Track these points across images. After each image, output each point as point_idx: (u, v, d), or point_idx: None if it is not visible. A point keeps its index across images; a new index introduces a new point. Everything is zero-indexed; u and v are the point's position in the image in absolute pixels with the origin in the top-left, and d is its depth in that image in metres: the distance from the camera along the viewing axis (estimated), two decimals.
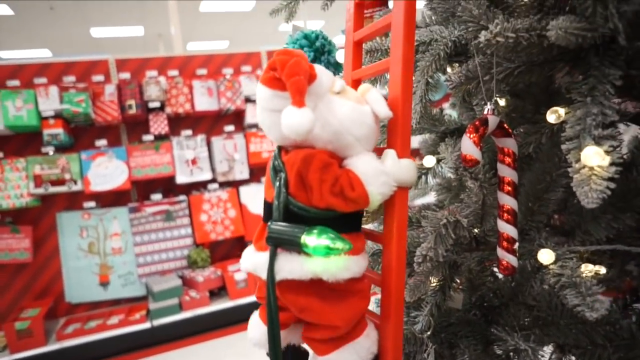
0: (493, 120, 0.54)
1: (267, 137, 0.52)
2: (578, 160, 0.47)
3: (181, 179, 3.33)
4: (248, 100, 3.51)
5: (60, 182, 3.06)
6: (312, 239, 0.45)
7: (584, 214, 0.64)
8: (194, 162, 3.41)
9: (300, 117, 0.43)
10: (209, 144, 3.48)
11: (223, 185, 3.54)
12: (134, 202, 3.36)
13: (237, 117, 3.64)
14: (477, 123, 0.53)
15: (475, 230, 0.67)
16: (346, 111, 0.48)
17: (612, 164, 0.45)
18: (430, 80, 0.66)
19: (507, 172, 0.58)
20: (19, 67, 3.11)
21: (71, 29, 7.85)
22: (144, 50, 9.25)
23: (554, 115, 0.56)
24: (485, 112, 0.55)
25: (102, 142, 3.21)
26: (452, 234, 0.59)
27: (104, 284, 3.25)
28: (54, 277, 3.18)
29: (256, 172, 3.60)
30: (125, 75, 3.27)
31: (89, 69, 3.24)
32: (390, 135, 0.52)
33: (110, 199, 3.33)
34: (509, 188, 0.57)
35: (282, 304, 0.50)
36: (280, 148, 0.51)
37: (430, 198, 1.00)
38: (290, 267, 0.47)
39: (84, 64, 3.24)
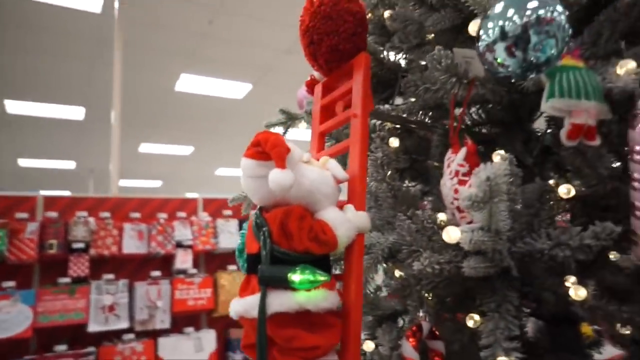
0: (427, 326, 0.65)
1: (252, 200, 0.65)
2: None
3: (93, 327, 3.05)
4: (179, 245, 3.49)
5: None
6: (297, 276, 0.56)
7: None
8: (111, 308, 3.19)
9: (284, 175, 0.57)
10: (131, 290, 3.30)
11: (140, 335, 3.27)
12: (31, 354, 2.97)
13: (165, 262, 3.55)
14: (414, 329, 0.64)
15: None
16: (315, 175, 0.63)
17: None
18: (370, 279, 0.78)
19: None
20: None
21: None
22: (72, 184, 9.04)
23: (472, 320, 0.69)
24: (419, 317, 0.66)
25: (10, 284, 2.93)
26: None
27: None
28: None
29: (179, 322, 3.40)
30: (52, 214, 3.17)
31: (14, 205, 3.12)
32: (350, 195, 0.68)
33: (4, 349, 2.92)
34: None
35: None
36: (260, 209, 0.63)
37: None
38: (280, 301, 0.56)
39: (9, 200, 3.13)
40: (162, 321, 3.30)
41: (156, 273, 3.40)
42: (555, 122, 0.74)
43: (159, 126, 7.37)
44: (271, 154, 0.58)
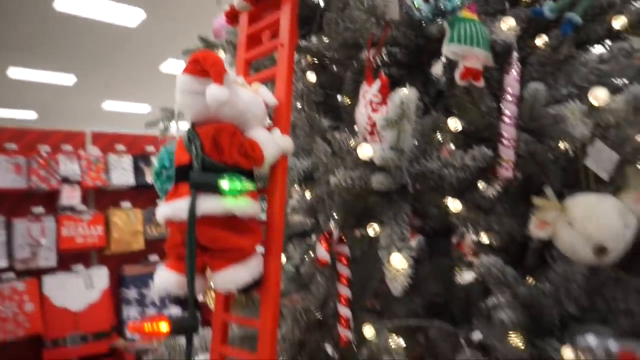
0: (336, 233, 0.77)
1: (185, 115, 0.69)
2: (389, 262, 0.72)
3: None
4: (66, 180, 3.24)
5: None
6: (226, 183, 0.62)
7: (391, 299, 0.90)
8: None
9: (221, 91, 0.62)
10: (9, 227, 3.03)
11: (22, 274, 3.05)
12: None
13: (49, 199, 3.29)
14: (326, 234, 0.75)
15: (318, 315, 0.86)
16: (248, 97, 0.69)
17: (409, 266, 0.71)
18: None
19: (343, 270, 0.80)
20: None
21: None
22: None
23: (372, 229, 0.82)
24: (331, 225, 0.78)
25: None
26: (305, 318, 0.77)
27: None
28: None
29: (66, 259, 3.23)
30: None
31: None
32: (276, 120, 0.76)
33: None
34: (345, 281, 0.80)
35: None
36: (193, 125, 0.68)
37: None
38: (209, 205, 0.62)
39: None
40: (47, 259, 3.11)
41: (38, 209, 3.15)
42: (450, 68, 0.87)
43: (33, 49, 6.44)
44: (210, 71, 0.62)
